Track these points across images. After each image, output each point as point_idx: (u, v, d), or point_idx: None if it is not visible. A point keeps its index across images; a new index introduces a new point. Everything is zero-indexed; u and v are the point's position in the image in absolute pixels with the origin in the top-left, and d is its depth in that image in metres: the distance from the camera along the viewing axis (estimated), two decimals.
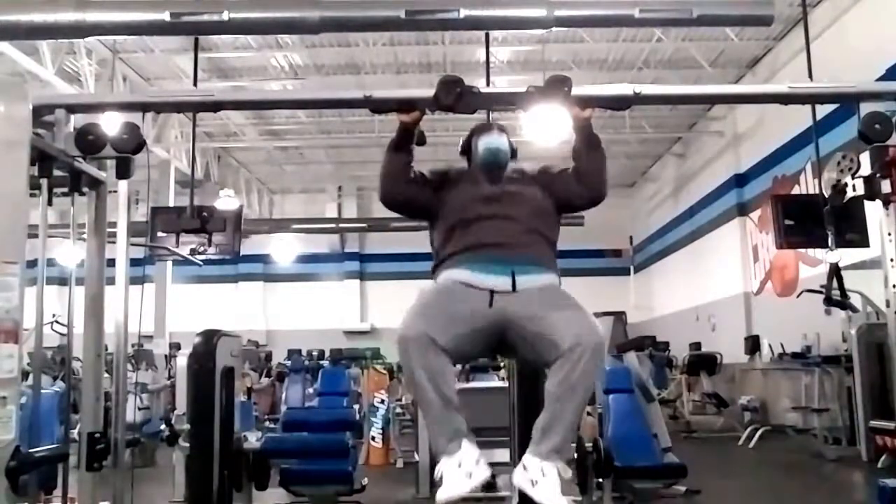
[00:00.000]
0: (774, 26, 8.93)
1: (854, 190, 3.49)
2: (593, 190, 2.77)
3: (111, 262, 3.12)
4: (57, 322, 5.65)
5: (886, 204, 3.34)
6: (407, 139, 2.77)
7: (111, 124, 3.08)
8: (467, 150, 2.90)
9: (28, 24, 6.10)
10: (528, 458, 2.33)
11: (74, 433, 3.11)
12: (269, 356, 12.98)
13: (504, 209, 2.63)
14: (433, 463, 2.49)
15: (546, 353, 2.37)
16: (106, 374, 3.26)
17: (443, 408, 2.33)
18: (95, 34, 6.93)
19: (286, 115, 13.54)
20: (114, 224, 3.16)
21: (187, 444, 3.69)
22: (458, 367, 6.07)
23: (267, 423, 8.95)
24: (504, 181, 2.76)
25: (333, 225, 17.25)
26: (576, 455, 4.24)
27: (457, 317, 2.40)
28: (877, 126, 3.14)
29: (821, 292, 5.96)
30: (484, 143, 2.79)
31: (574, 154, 2.80)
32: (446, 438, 2.33)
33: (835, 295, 5.63)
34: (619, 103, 3.27)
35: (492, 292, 2.46)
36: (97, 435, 3.00)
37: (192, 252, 7.30)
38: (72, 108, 3.10)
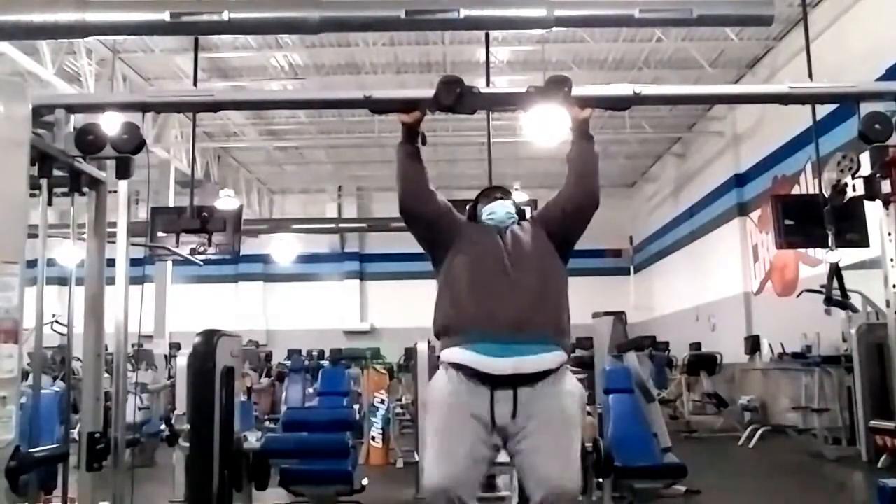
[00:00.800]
0: (774, 26, 8.93)
1: (854, 190, 3.49)
2: (586, 185, 2.73)
3: (111, 262, 3.11)
4: (57, 322, 5.65)
5: (886, 204, 3.33)
6: (412, 139, 2.76)
7: (111, 124, 3.07)
8: (473, 216, 2.87)
9: (28, 24, 6.11)
10: None
11: (74, 433, 3.11)
12: (269, 356, 12.98)
13: (512, 279, 2.57)
14: None
15: (524, 484, 2.49)
16: (106, 374, 3.26)
17: None
18: (95, 34, 6.94)
19: (286, 115, 13.54)
20: (114, 224, 3.15)
21: (187, 444, 3.69)
22: None
23: (267, 423, 8.96)
24: (511, 234, 2.72)
25: (333, 225, 17.24)
26: None
27: (475, 434, 2.43)
28: (877, 126, 3.14)
29: (821, 292, 5.96)
30: (488, 213, 2.80)
31: (569, 155, 2.80)
32: None
33: (835, 295, 5.63)
34: (619, 103, 3.28)
35: (492, 392, 2.45)
36: (97, 435, 3.00)
37: (192, 252, 7.31)
38: (72, 108, 3.10)
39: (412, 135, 2.76)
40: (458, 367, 2.51)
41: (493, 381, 2.46)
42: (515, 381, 2.46)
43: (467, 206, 2.92)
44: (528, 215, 2.92)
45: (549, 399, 2.48)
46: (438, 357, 2.65)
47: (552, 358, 2.51)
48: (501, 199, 2.83)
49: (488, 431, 2.46)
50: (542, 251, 2.68)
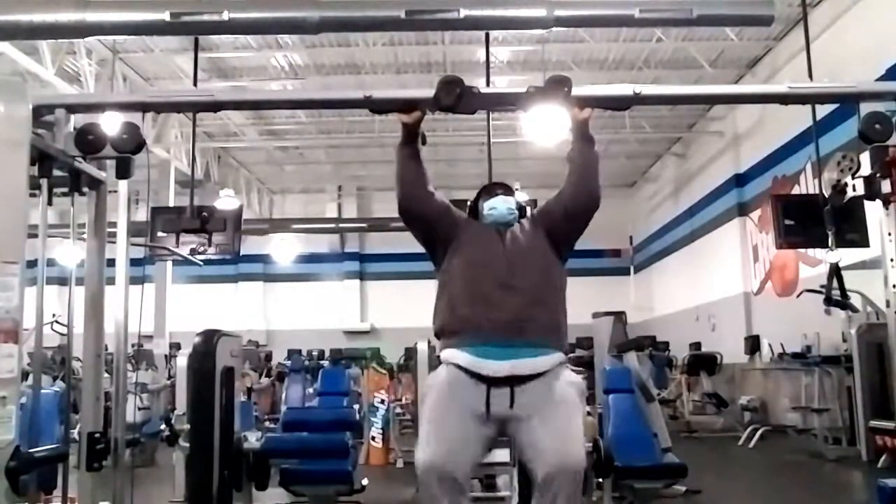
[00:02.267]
0: (774, 26, 8.93)
1: (854, 190, 3.49)
2: (586, 186, 2.74)
3: (111, 262, 3.11)
4: (57, 322, 5.65)
5: (886, 204, 3.33)
6: (411, 139, 2.76)
7: (111, 124, 3.07)
8: (474, 211, 2.88)
9: (28, 24, 6.11)
10: None
11: (74, 433, 3.11)
12: (269, 356, 12.98)
13: (511, 281, 2.58)
14: None
15: (528, 469, 2.47)
16: (106, 374, 3.26)
17: None
18: (95, 34, 6.94)
19: (286, 115, 13.54)
20: (114, 224, 3.15)
21: (187, 444, 3.69)
22: None
23: (267, 423, 8.95)
24: (511, 236, 2.72)
25: (333, 225, 17.25)
26: None
27: (468, 425, 2.44)
28: (877, 126, 3.14)
29: (821, 292, 5.97)
30: (489, 209, 2.79)
31: (569, 154, 2.80)
32: None
33: (835, 295, 5.63)
34: (619, 103, 3.27)
35: (489, 389, 2.47)
36: (97, 435, 3.00)
37: (192, 252, 7.31)
38: (72, 108, 3.09)
39: (412, 135, 2.76)
40: (457, 367, 2.54)
41: (490, 381, 2.48)
42: (512, 381, 2.48)
43: (468, 203, 2.93)
44: (528, 213, 2.92)
45: (546, 388, 2.50)
46: (438, 357, 2.66)
47: (548, 360, 2.54)
48: (503, 195, 2.82)
49: (483, 420, 2.47)
50: (541, 252, 2.69)
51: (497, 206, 2.78)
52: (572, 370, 2.76)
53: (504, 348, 2.48)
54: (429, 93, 2.79)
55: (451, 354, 2.56)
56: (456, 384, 2.51)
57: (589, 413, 5.04)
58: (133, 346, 7.21)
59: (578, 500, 2.44)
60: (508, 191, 2.87)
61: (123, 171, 3.11)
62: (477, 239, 2.73)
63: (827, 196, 4.40)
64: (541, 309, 2.58)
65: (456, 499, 2.37)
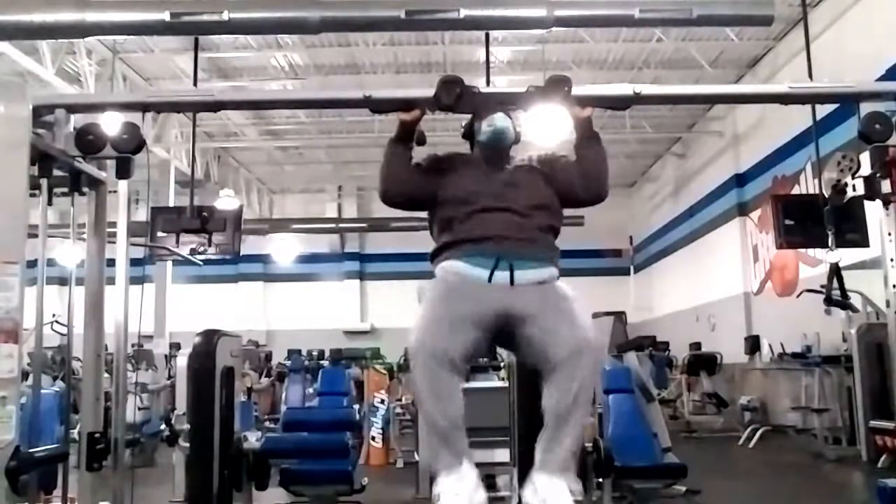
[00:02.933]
0: (774, 26, 8.92)
1: (854, 190, 3.49)
2: (595, 188, 2.74)
3: (111, 262, 3.11)
4: (57, 322, 5.65)
5: (886, 204, 3.33)
6: (407, 138, 2.76)
7: (111, 124, 3.07)
8: (470, 133, 2.86)
9: (28, 24, 6.11)
10: (536, 475, 2.34)
11: (74, 433, 3.11)
12: (269, 356, 12.97)
13: (505, 199, 2.58)
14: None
15: (541, 360, 2.41)
16: (106, 374, 3.26)
17: (448, 430, 2.35)
18: (95, 34, 6.95)
19: (286, 115, 13.54)
20: (114, 224, 3.15)
21: (187, 444, 3.69)
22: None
23: (267, 423, 8.95)
24: (507, 167, 2.72)
25: (333, 225, 17.26)
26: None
27: (463, 322, 2.40)
28: (877, 126, 3.14)
29: (821, 292, 5.97)
30: (487, 124, 2.73)
31: (575, 152, 2.79)
32: (448, 459, 2.36)
33: (835, 295, 5.64)
34: (619, 103, 3.28)
35: (491, 272, 2.46)
36: (97, 435, 3.00)
37: (192, 252, 7.31)
38: (72, 108, 3.09)
39: (408, 133, 2.76)
40: (454, 273, 2.53)
41: (491, 274, 2.47)
42: (511, 271, 2.47)
43: (463, 125, 2.91)
44: (529, 154, 2.85)
45: (547, 291, 2.50)
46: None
47: (546, 272, 2.54)
48: (503, 113, 2.78)
49: (478, 323, 2.43)
50: (542, 189, 2.68)
51: (496, 121, 2.73)
52: None
53: (503, 259, 2.48)
54: (429, 93, 2.79)
55: (447, 265, 2.56)
56: (452, 286, 2.50)
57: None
58: (133, 346, 7.21)
59: (596, 379, 2.48)
60: (507, 112, 2.82)
61: (123, 171, 3.11)
62: (473, 164, 2.75)
63: (827, 196, 4.41)
64: (537, 229, 2.59)
65: (447, 371, 2.33)
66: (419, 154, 2.81)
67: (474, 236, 2.54)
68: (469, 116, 2.88)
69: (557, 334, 2.37)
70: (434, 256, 2.66)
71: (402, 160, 2.73)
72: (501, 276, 2.46)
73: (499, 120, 2.73)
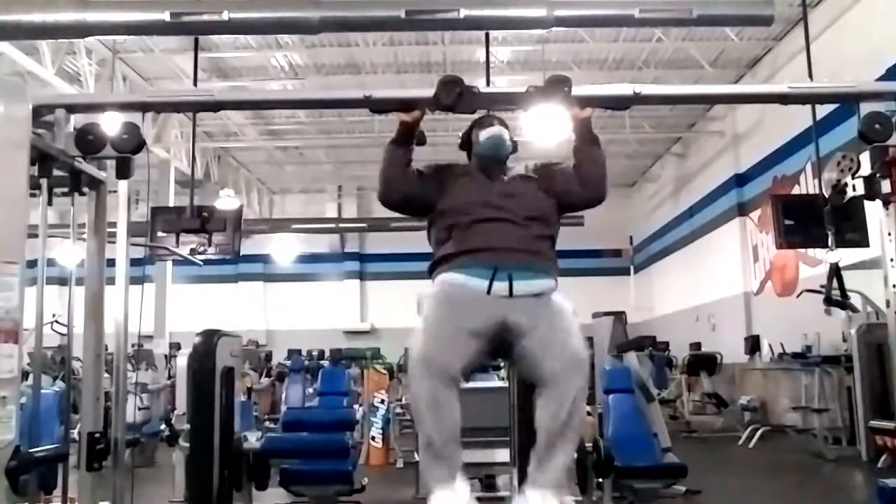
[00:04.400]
0: (774, 26, 8.93)
1: (854, 190, 3.48)
2: (594, 190, 2.75)
3: (111, 262, 3.11)
4: (57, 322, 5.65)
5: (886, 204, 3.33)
6: (407, 138, 2.75)
7: (111, 124, 3.07)
8: (467, 143, 2.86)
9: (28, 24, 6.11)
10: (529, 491, 2.36)
11: (74, 433, 3.11)
12: (269, 356, 12.98)
13: (503, 210, 2.58)
14: None
15: (535, 373, 2.44)
16: (106, 374, 3.26)
17: (443, 444, 2.36)
18: (95, 34, 6.95)
19: (286, 115, 13.54)
20: (114, 224, 3.15)
21: (187, 444, 3.69)
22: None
23: (267, 423, 8.95)
24: (504, 178, 2.73)
25: (333, 225, 17.26)
26: (576, 455, 4.24)
27: (462, 335, 2.41)
28: (877, 126, 3.14)
29: (821, 292, 5.96)
30: (485, 135, 2.74)
31: (574, 154, 2.80)
32: (442, 474, 2.37)
33: (835, 295, 5.63)
34: (619, 103, 3.28)
35: (490, 282, 2.46)
36: (97, 435, 3.00)
37: (192, 252, 7.31)
38: (72, 108, 3.09)
39: (408, 135, 2.75)
40: (452, 285, 2.54)
41: (490, 284, 2.48)
42: (510, 280, 2.48)
43: (461, 135, 2.91)
44: (526, 164, 2.85)
45: (543, 303, 2.51)
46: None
47: (544, 283, 2.55)
48: (500, 125, 2.79)
49: (477, 334, 2.44)
50: (539, 200, 2.68)
51: (493, 135, 2.75)
52: None
53: (502, 270, 2.48)
54: (429, 93, 2.79)
55: (445, 278, 2.56)
56: (452, 298, 2.51)
57: (589, 413, 5.05)
58: (133, 346, 7.21)
59: (586, 391, 2.50)
60: (503, 123, 2.82)
61: (123, 171, 3.11)
62: (471, 174, 2.75)
63: (827, 196, 4.39)
64: (534, 240, 2.59)
65: (446, 385, 2.34)
66: (419, 154, 2.81)
67: (472, 248, 2.54)
68: (467, 125, 2.89)
69: (553, 348, 2.40)
70: (432, 269, 2.66)
71: (401, 162, 2.72)
72: (500, 286, 2.46)
73: (495, 131, 2.75)
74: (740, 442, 8.78)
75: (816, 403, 8.01)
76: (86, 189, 3.13)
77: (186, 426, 3.80)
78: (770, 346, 9.64)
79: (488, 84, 5.90)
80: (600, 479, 4.31)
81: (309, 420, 5.43)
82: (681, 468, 4.63)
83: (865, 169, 3.43)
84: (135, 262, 3.44)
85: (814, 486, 6.41)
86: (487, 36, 7.12)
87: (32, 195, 2.77)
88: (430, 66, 11.19)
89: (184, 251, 7.36)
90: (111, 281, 3.10)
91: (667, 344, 12.14)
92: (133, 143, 3.06)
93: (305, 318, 17.24)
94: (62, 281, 6.20)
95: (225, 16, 5.97)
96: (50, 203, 2.98)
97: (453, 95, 2.75)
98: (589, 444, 4.31)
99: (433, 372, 2.33)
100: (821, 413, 7.85)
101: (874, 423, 6.37)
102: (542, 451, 2.38)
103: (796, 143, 9.58)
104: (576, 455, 4.21)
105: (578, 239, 15.53)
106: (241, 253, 8.17)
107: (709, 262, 13.46)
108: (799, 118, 7.48)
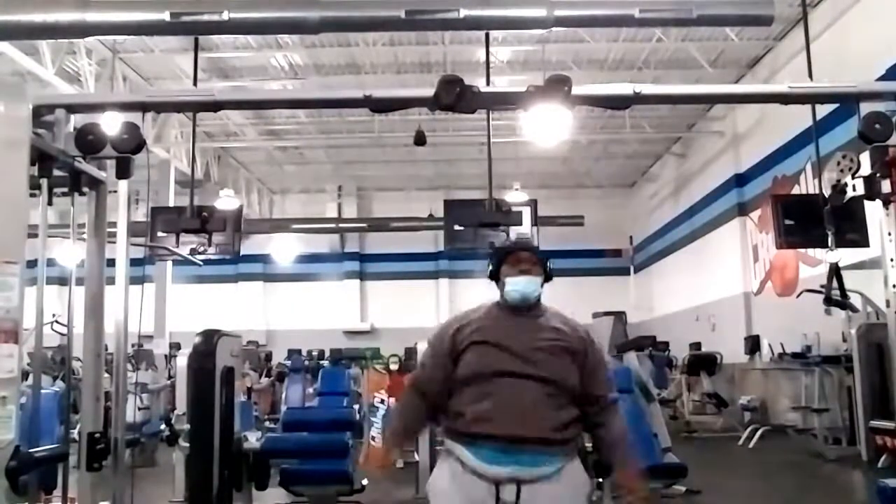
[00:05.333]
0: (774, 26, 8.93)
1: (854, 190, 3.49)
2: (595, 417, 2.61)
3: (111, 262, 3.11)
4: (57, 322, 5.66)
5: (886, 204, 3.33)
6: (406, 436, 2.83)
7: (111, 124, 3.08)
8: (496, 277, 2.62)
9: (28, 24, 6.11)
10: None
11: (74, 433, 3.11)
12: (269, 356, 12.99)
13: (527, 364, 2.43)
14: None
15: None
16: (106, 374, 3.26)
17: None
18: (95, 34, 6.95)
19: (286, 115, 13.54)
20: (114, 224, 3.15)
21: (187, 444, 3.69)
22: None
23: (267, 423, 8.96)
24: (535, 318, 2.55)
25: (333, 225, 17.25)
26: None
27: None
28: (877, 126, 3.14)
29: (821, 292, 5.97)
30: (510, 287, 2.53)
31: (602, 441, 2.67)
32: None
33: (835, 295, 5.63)
34: (619, 103, 3.28)
35: (497, 486, 2.39)
36: (97, 435, 3.00)
37: (192, 252, 7.30)
38: (72, 108, 3.10)
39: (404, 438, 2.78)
40: (461, 463, 2.46)
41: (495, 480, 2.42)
42: (518, 481, 2.40)
43: (488, 265, 2.64)
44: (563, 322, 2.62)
45: (553, 487, 2.42)
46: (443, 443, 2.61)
47: (551, 468, 2.43)
48: (529, 274, 2.54)
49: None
50: (566, 373, 2.50)
51: (520, 288, 2.53)
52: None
53: (507, 453, 2.39)
54: (429, 92, 2.79)
55: (454, 448, 2.49)
56: (461, 479, 2.45)
57: None
58: (133, 346, 7.22)
59: None
60: (535, 266, 2.56)
61: (123, 171, 3.11)
62: (496, 319, 2.56)
63: (827, 196, 4.39)
64: (551, 409, 2.45)
65: None
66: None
67: (486, 419, 2.42)
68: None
69: None
70: (447, 430, 2.55)
71: (417, 412, 2.67)
72: (509, 472, 2.37)
73: (522, 287, 2.52)
74: (740, 442, 8.78)
75: (816, 403, 8.01)
76: (86, 189, 3.13)
77: (186, 426, 3.79)
78: (770, 346, 9.64)
79: (488, 84, 5.90)
80: (600, 479, 4.31)
81: (309, 420, 5.43)
82: (681, 468, 4.63)
83: (865, 169, 3.44)
84: (135, 262, 3.45)
85: (814, 486, 6.41)
86: (487, 36, 7.12)
87: (32, 195, 2.77)
88: (430, 66, 11.19)
89: (184, 251, 7.35)
90: (111, 281, 3.10)
91: (667, 344, 12.17)
92: (133, 143, 3.06)
93: (305, 318, 17.24)
94: (62, 281, 6.20)
95: (225, 16, 5.97)
96: (50, 203, 2.98)
97: (453, 95, 2.76)
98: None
99: None
100: (821, 413, 7.85)
101: (874, 423, 6.35)
102: None
103: (796, 143, 9.59)
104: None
105: (578, 239, 15.58)
106: (241, 253, 8.15)
107: (709, 262, 13.47)
108: (799, 118, 7.48)
